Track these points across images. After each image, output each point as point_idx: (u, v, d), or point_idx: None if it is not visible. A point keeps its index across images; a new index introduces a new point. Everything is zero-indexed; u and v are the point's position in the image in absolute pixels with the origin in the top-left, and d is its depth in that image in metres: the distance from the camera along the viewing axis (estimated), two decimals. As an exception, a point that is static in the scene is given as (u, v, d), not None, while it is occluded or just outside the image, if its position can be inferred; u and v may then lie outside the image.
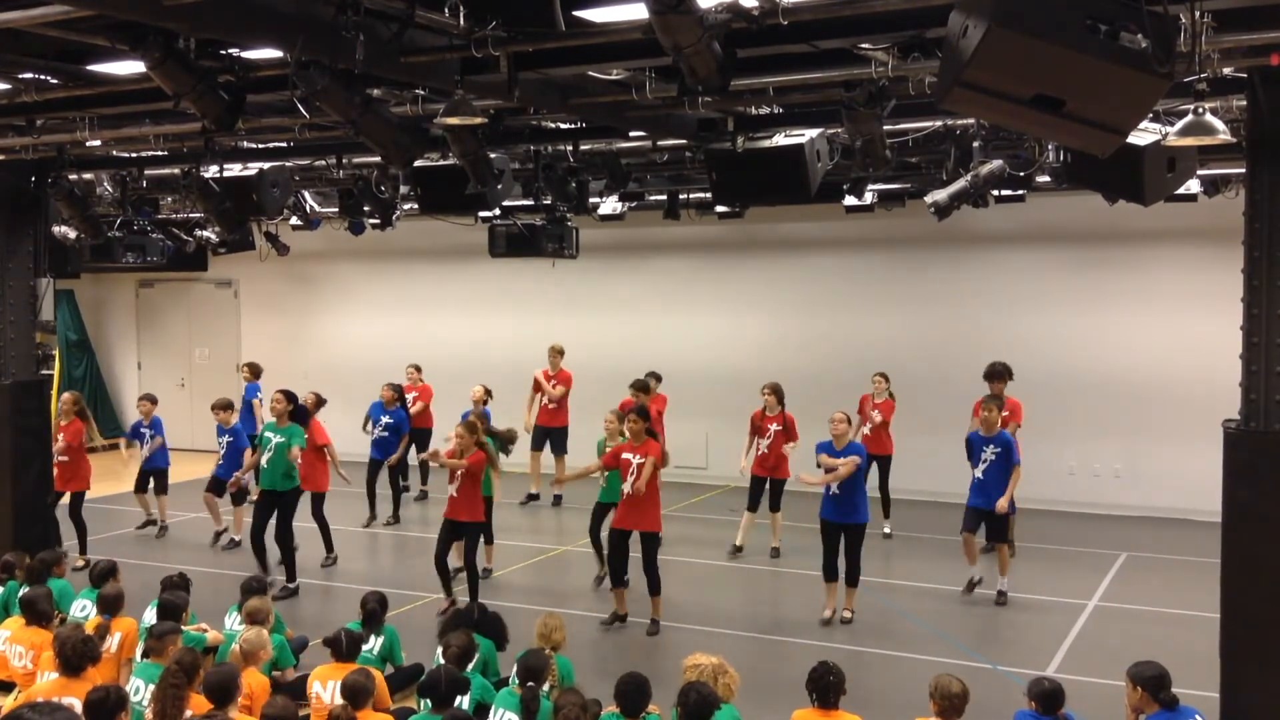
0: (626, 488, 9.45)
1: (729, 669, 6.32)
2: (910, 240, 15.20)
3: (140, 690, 6.56)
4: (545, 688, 6.61)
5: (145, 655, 7.01)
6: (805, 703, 6.06)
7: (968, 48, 3.71)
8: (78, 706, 5.28)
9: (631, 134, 9.74)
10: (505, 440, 10.94)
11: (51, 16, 5.75)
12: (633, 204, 13.82)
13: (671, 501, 13.72)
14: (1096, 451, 14.47)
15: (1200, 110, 6.06)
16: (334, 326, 19.01)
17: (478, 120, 7.19)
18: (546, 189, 10.60)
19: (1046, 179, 10.56)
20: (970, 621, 10.09)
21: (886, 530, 12.85)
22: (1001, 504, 10.07)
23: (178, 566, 9.56)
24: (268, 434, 10.89)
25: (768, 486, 11.88)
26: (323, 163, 10.98)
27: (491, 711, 6.53)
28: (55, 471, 11.43)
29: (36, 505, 11.04)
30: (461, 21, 5.81)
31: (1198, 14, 4.86)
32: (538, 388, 14.29)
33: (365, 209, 12.55)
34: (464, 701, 6.55)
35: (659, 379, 13.75)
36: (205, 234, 14.91)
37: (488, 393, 13.06)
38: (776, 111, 8.44)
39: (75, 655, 6.18)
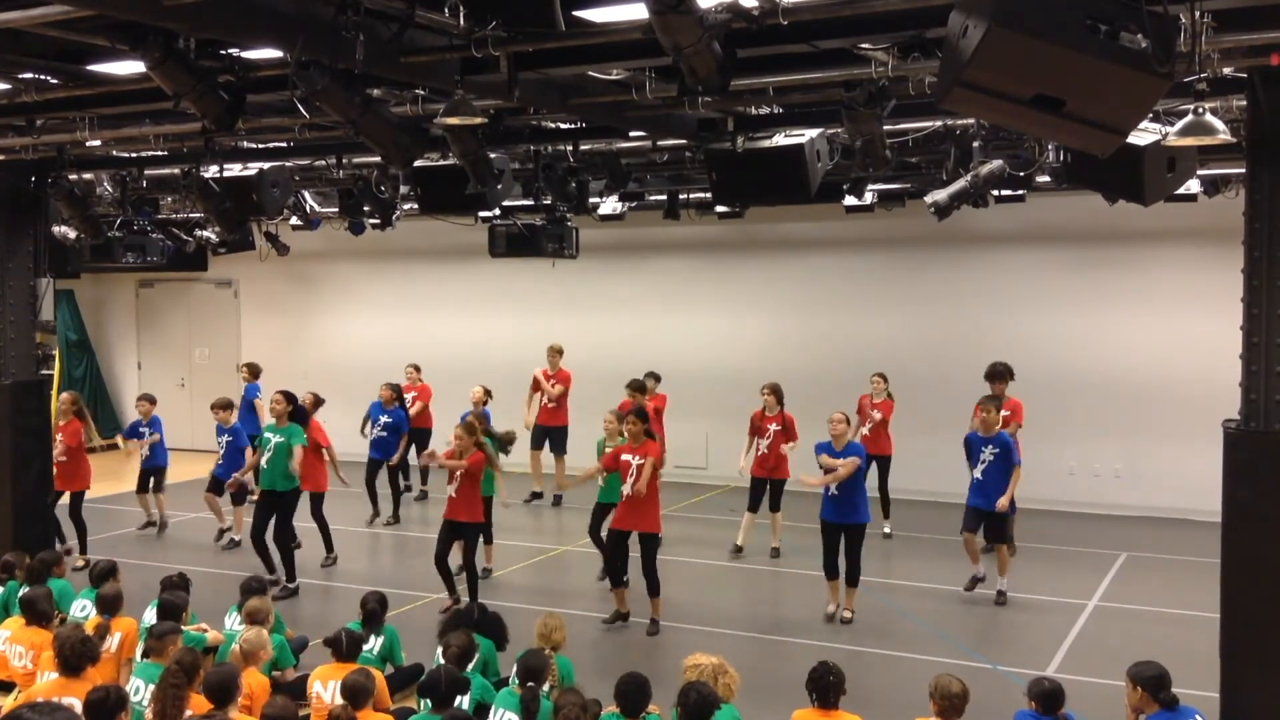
0: (626, 489, 9.45)
1: (729, 669, 6.32)
2: (910, 240, 15.20)
3: (140, 690, 6.56)
4: (545, 688, 6.61)
5: (145, 655, 7.01)
6: (805, 703, 6.07)
7: (968, 48, 3.71)
8: (78, 706, 5.28)
9: (631, 134, 9.74)
10: (503, 442, 10.94)
11: (51, 16, 5.75)
12: (633, 204, 13.81)
13: (671, 501, 13.73)
14: (1096, 451, 14.47)
15: (1200, 110, 6.06)
16: (334, 326, 19.01)
17: (478, 120, 7.19)
18: (546, 189, 10.60)
19: (1046, 179, 10.56)
20: (970, 621, 10.09)
21: (886, 530, 12.85)
22: (1002, 503, 10.06)
23: (178, 566, 9.56)
24: (267, 434, 10.91)
25: (767, 487, 11.89)
26: (323, 163, 10.97)
27: (491, 711, 6.53)
28: (55, 471, 11.44)
29: (36, 505, 11.04)
30: (461, 21, 5.80)
31: (1198, 14, 4.86)
32: (536, 387, 14.29)
33: (365, 209, 12.55)
34: (464, 701, 6.55)
35: (658, 379, 13.76)
36: (205, 234, 14.91)
37: (487, 394, 13.05)
38: (776, 111, 8.44)
39: (74, 655, 6.18)
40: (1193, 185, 10.98)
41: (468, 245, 15.60)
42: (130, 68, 7.10)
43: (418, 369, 14.92)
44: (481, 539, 10.50)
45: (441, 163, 9.45)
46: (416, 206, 11.32)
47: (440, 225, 14.00)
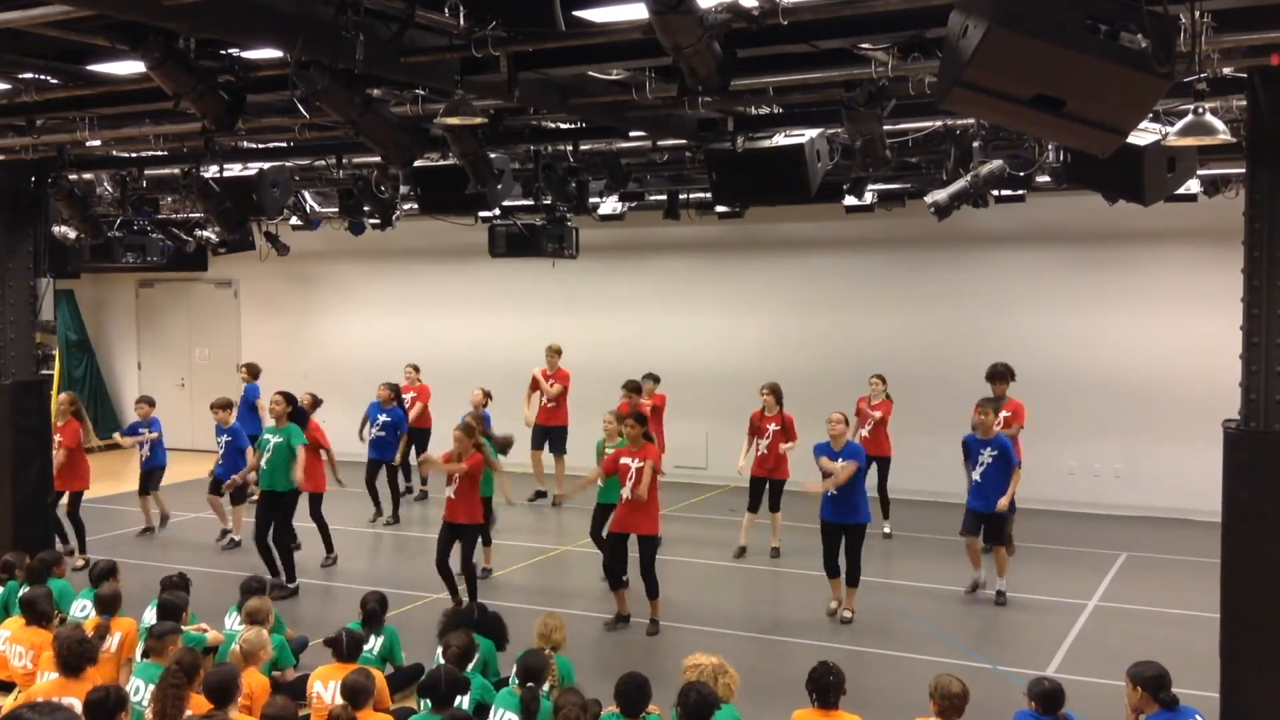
0: (626, 492, 9.45)
1: (729, 669, 6.32)
2: (910, 240, 15.19)
3: (140, 690, 6.56)
4: (545, 688, 6.61)
5: (145, 655, 7.01)
6: (805, 703, 6.07)
7: (968, 48, 3.71)
8: (77, 706, 5.28)
9: (631, 134, 9.74)
10: (502, 445, 10.92)
11: (51, 16, 5.75)
12: (633, 204, 13.81)
13: (671, 501, 13.72)
14: (1096, 451, 14.46)
15: (1200, 110, 6.06)
16: (334, 326, 19.01)
17: (478, 120, 7.19)
18: (546, 189, 10.60)
19: (1046, 179, 10.56)
20: (970, 621, 10.09)
21: (886, 530, 12.84)
22: (1002, 503, 10.07)
23: (178, 566, 9.56)
24: (266, 435, 10.93)
25: (767, 487, 11.88)
26: (323, 163, 10.97)
27: (491, 711, 6.53)
28: (54, 471, 11.44)
29: (36, 505, 11.03)
30: (461, 21, 5.80)
31: (1198, 14, 4.86)
32: (535, 386, 14.29)
33: (365, 209, 12.55)
34: (464, 701, 6.55)
35: (657, 380, 13.74)
36: (205, 234, 14.90)
37: (487, 396, 13.04)
38: (776, 111, 8.43)
39: (74, 655, 6.18)
40: (1193, 185, 10.98)
41: (468, 245, 15.60)
42: (130, 68, 7.09)
43: (417, 369, 14.92)
44: (480, 540, 10.50)
45: (441, 163, 9.45)
46: (416, 206, 11.32)
47: (440, 225, 14.00)
